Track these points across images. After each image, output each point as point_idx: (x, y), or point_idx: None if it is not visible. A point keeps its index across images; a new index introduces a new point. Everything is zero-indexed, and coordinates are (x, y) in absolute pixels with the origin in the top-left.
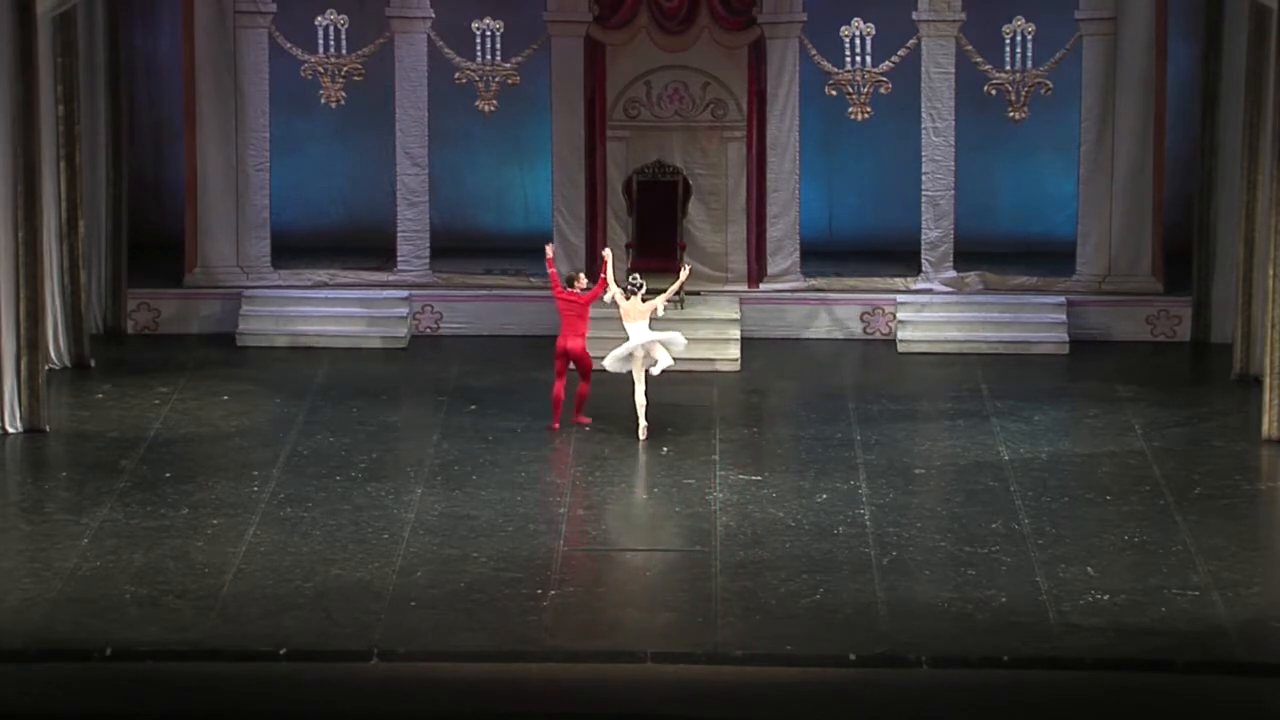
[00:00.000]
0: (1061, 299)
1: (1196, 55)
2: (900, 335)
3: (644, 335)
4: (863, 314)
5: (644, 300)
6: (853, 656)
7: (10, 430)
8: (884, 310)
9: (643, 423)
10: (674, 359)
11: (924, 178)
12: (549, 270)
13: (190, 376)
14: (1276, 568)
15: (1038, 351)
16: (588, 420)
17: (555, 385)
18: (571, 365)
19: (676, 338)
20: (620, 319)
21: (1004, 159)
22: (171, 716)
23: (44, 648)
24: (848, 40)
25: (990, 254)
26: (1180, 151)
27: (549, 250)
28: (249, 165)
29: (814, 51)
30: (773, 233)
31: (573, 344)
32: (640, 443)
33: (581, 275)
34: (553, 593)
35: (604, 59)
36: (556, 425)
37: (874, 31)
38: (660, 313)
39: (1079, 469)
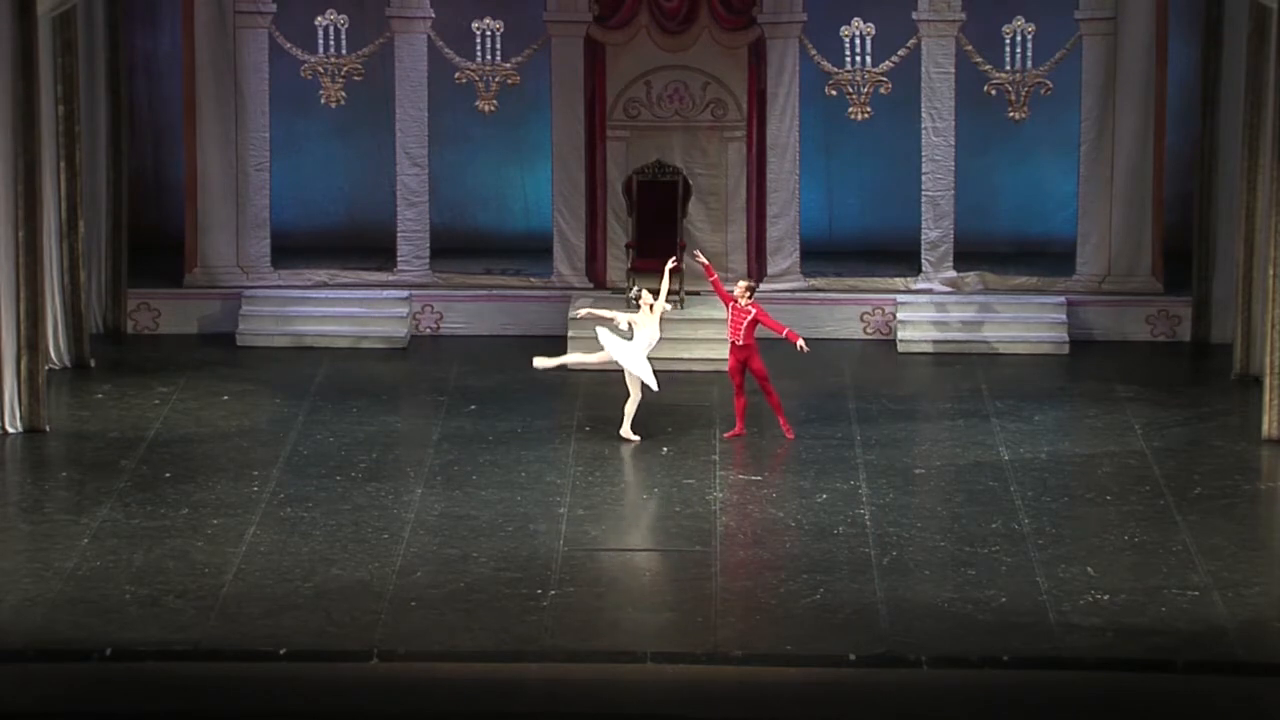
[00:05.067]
0: (1061, 299)
1: (1196, 56)
2: (900, 335)
3: (641, 349)
4: (863, 314)
5: (652, 309)
6: (853, 656)
7: (10, 430)
8: (884, 310)
9: (627, 427)
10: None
11: (924, 178)
12: (713, 278)
13: (190, 376)
14: (1276, 568)
15: (1038, 351)
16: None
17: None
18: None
19: (648, 380)
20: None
21: (1004, 159)
22: (171, 716)
23: (44, 648)
24: (848, 40)
25: (990, 254)
26: (1180, 151)
27: (700, 255)
28: (249, 165)
29: (814, 51)
30: (773, 233)
31: (754, 365)
32: (632, 443)
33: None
34: (553, 593)
35: (604, 59)
36: (740, 431)
37: (874, 31)
38: (670, 309)
39: (1079, 469)
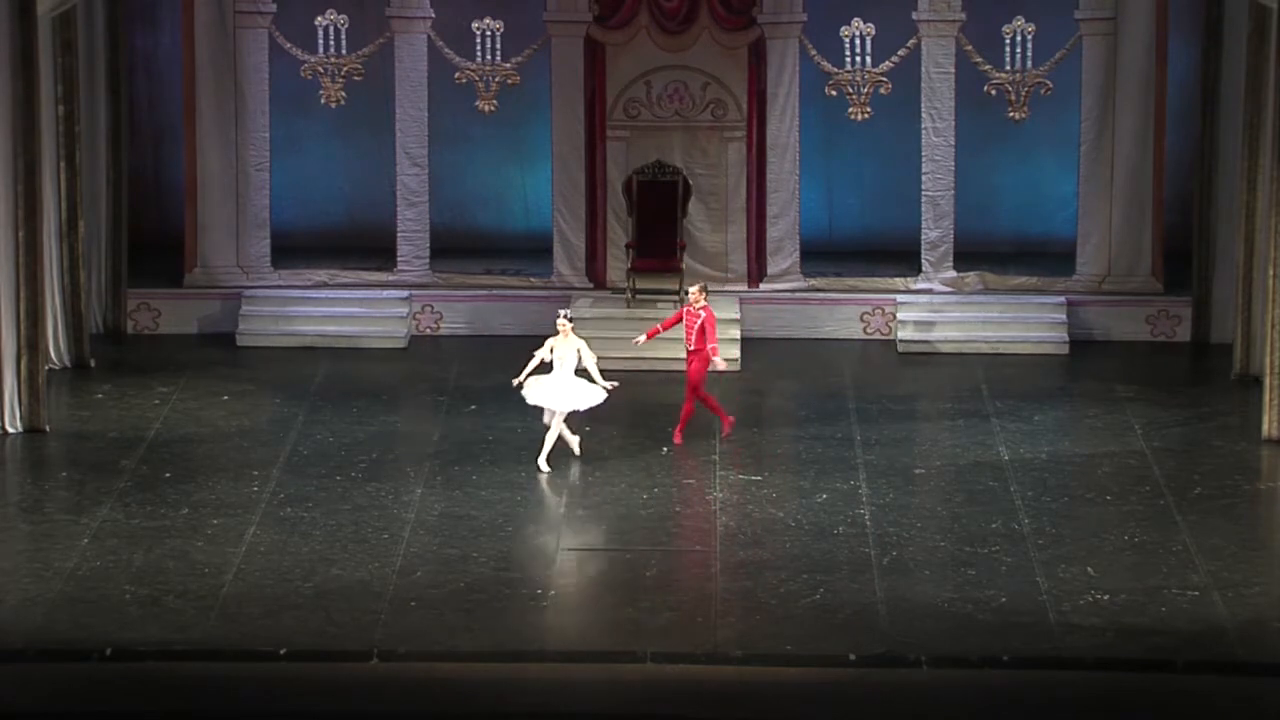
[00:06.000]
0: (1061, 299)
1: (1196, 55)
2: (900, 335)
3: (569, 376)
4: (863, 314)
5: (573, 334)
6: (853, 656)
7: (10, 430)
8: (884, 310)
9: (545, 455)
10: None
11: (924, 178)
12: (657, 330)
13: (190, 376)
14: (1276, 568)
15: (1038, 351)
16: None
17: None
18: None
19: (595, 396)
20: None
21: (1004, 159)
22: (171, 716)
23: (44, 648)
24: (848, 40)
25: (990, 254)
26: (1180, 151)
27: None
28: (249, 165)
29: (814, 51)
30: (773, 233)
31: (695, 367)
32: (545, 474)
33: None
34: (553, 593)
35: (604, 59)
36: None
37: (874, 31)
38: (583, 361)
39: (1079, 469)
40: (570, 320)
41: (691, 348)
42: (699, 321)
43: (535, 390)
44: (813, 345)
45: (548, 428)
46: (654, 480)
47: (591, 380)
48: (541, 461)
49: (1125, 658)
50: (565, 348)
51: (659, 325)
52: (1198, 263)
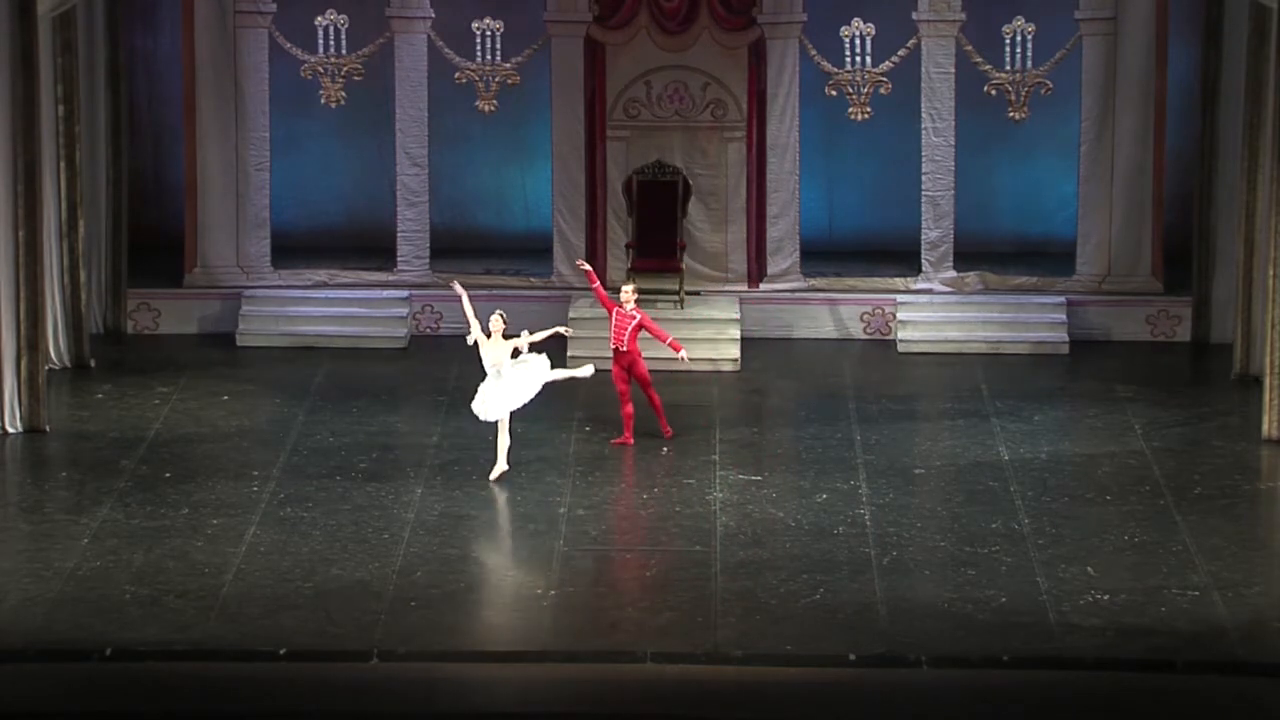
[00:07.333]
0: (1061, 299)
1: (1196, 55)
2: (900, 335)
3: (507, 374)
4: (863, 314)
5: (505, 338)
6: (853, 656)
7: (10, 430)
8: (884, 310)
9: (502, 464)
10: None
11: (924, 178)
12: (595, 285)
13: (190, 376)
14: (1276, 568)
15: (1038, 351)
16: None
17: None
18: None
19: (539, 374)
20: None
21: (1004, 159)
22: (171, 716)
23: (44, 648)
24: (848, 40)
25: (990, 254)
26: (1180, 151)
27: (583, 262)
28: (249, 165)
29: (814, 51)
30: (773, 233)
31: (639, 370)
32: (494, 482)
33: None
34: (553, 593)
35: (604, 59)
36: (629, 439)
37: (874, 31)
38: (525, 350)
39: (1079, 469)
40: (506, 323)
41: (624, 349)
42: (632, 324)
43: (485, 406)
44: (813, 345)
45: (497, 435)
46: (654, 480)
47: (534, 365)
48: (498, 470)
49: (1125, 658)
50: (498, 351)
51: (596, 283)
52: (1198, 263)
